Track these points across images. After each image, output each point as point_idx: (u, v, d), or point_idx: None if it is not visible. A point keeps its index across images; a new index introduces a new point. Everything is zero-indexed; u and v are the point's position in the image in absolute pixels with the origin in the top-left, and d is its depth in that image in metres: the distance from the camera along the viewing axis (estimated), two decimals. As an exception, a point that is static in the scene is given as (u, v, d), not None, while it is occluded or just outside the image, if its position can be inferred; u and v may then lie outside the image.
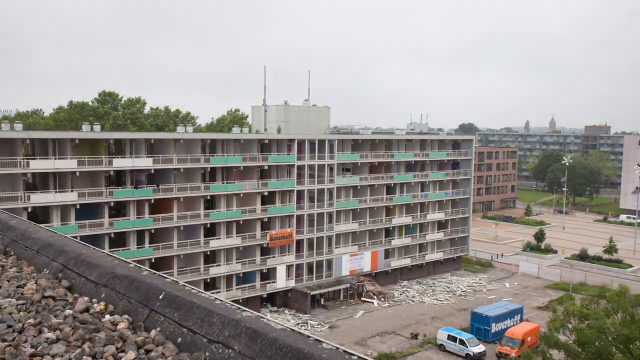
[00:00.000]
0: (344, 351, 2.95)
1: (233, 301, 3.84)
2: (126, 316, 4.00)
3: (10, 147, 59.37)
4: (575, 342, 41.65)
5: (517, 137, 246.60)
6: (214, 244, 71.01)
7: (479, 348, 63.06)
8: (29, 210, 58.13)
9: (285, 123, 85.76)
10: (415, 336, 68.00)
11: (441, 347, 64.82)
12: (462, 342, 63.04)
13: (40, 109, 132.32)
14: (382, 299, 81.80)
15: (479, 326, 68.03)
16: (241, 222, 73.00)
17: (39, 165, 60.52)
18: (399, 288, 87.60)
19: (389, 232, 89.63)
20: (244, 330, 3.28)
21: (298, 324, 71.50)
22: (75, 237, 6.27)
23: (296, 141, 77.18)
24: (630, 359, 38.03)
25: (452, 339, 63.92)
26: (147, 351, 3.55)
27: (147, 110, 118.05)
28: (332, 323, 71.98)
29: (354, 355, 2.91)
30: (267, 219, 75.33)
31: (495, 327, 67.47)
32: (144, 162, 65.77)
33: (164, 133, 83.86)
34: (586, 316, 41.84)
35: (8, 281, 4.87)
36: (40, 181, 65.17)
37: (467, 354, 62.33)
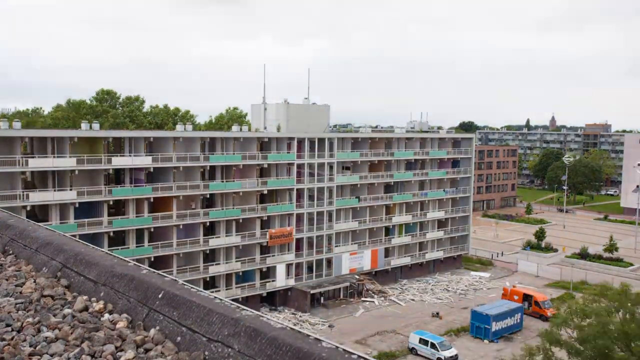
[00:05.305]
0: (344, 350, 2.95)
1: (232, 300, 3.84)
2: (125, 315, 3.99)
3: (9, 145, 59.35)
4: (577, 339, 41.71)
5: (517, 135, 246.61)
6: (214, 242, 71.02)
7: (451, 352, 61.44)
8: (28, 208, 58.14)
9: (285, 121, 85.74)
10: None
11: (413, 351, 63.74)
12: (433, 346, 61.53)
13: (40, 108, 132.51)
14: (382, 298, 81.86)
15: (480, 325, 68.10)
16: (241, 220, 73.03)
17: (37, 163, 60.48)
18: (399, 287, 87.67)
19: (389, 231, 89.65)
20: (243, 329, 3.27)
21: (298, 322, 71.57)
22: (74, 236, 6.27)
23: (296, 139, 77.15)
24: (631, 356, 38.10)
25: (424, 342, 62.43)
26: (146, 350, 3.55)
27: (145, 108, 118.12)
28: (332, 322, 71.97)
29: (354, 354, 2.91)
30: (266, 218, 75.33)
31: (495, 326, 67.54)
32: (143, 161, 65.75)
33: (163, 131, 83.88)
34: (588, 314, 41.91)
35: (7, 280, 4.86)
36: (39, 180, 65.17)
37: (439, 358, 60.97)
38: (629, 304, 42.21)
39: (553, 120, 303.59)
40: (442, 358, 60.79)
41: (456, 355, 61.79)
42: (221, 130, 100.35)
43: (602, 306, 42.88)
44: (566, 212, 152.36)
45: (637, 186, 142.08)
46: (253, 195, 74.34)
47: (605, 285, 49.71)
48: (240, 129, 78.14)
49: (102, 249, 5.08)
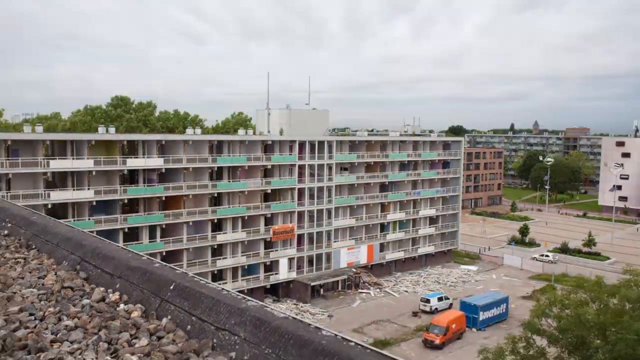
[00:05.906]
0: (342, 338, 2.96)
1: (238, 291, 3.86)
2: (139, 305, 4.01)
3: (31, 148, 59.39)
4: (556, 329, 41.71)
5: (503, 138, 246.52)
6: (221, 238, 70.99)
7: (443, 304, 72.90)
8: (49, 206, 58.12)
9: (287, 125, 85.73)
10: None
11: (415, 315, 71.50)
12: (427, 300, 73.03)
13: (59, 113, 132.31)
14: (378, 290, 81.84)
15: (468, 314, 68.03)
16: (246, 217, 72.99)
17: (58, 165, 60.46)
18: (394, 279, 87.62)
19: (383, 227, 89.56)
20: (249, 318, 3.29)
21: (299, 312, 71.53)
22: (92, 232, 6.29)
23: (297, 142, 77.14)
24: (606, 344, 38.10)
25: (425, 301, 73.23)
26: (159, 338, 3.56)
27: (157, 113, 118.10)
28: (331, 312, 71.99)
29: (351, 341, 2.92)
30: (270, 215, 75.29)
31: (483, 315, 67.51)
32: (156, 162, 65.78)
33: (174, 135, 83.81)
34: (566, 305, 41.91)
35: (30, 272, 4.88)
36: (60, 180, 65.15)
37: (430, 307, 71.91)
38: (605, 296, 42.20)
39: (536, 124, 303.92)
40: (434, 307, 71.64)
41: (451, 305, 72.60)
42: (228, 133, 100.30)
43: (578, 297, 42.84)
44: (548, 210, 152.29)
45: (614, 185, 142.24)
46: (257, 194, 74.31)
47: (581, 277, 49.73)
48: (246, 133, 78.11)
49: (118, 244, 5.10)
